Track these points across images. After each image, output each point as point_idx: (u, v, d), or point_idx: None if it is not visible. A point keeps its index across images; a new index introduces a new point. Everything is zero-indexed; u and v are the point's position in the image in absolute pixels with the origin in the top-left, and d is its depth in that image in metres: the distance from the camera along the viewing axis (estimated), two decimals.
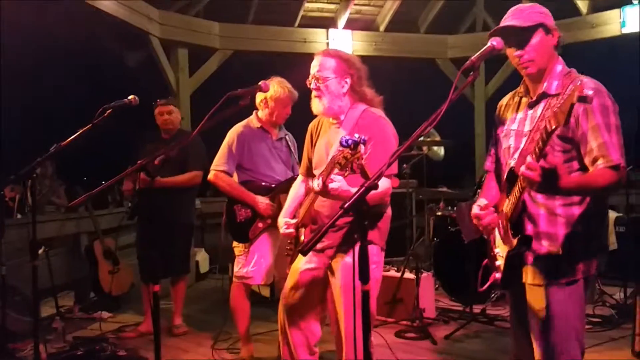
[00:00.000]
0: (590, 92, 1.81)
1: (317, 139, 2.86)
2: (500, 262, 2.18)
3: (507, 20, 2.14)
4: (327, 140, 2.75)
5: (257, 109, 3.76)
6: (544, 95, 2.15)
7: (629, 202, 5.32)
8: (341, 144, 2.03)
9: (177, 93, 7.09)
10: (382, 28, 8.20)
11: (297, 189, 3.02)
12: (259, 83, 2.97)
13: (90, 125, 3.00)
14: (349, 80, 2.68)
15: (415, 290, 4.56)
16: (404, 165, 5.45)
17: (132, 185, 4.50)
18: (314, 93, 2.68)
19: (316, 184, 2.37)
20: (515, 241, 2.07)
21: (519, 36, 2.11)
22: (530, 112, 2.20)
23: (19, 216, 7.43)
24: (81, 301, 5.38)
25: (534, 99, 2.18)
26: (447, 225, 5.61)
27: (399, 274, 4.77)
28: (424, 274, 4.75)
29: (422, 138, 6.46)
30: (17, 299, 4.21)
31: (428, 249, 5.79)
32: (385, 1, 8.04)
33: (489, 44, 2.06)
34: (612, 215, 5.90)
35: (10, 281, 4.20)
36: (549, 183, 1.83)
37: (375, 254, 2.68)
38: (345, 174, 2.11)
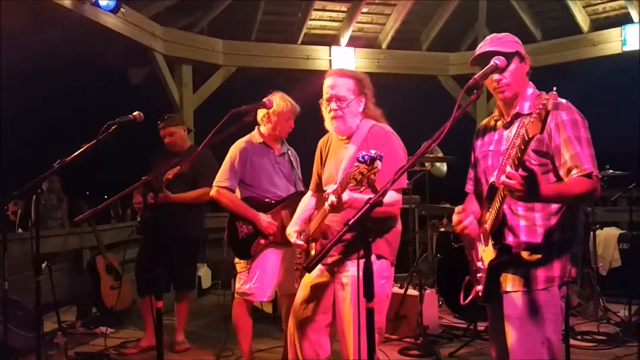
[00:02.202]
0: (563, 100, 1.92)
1: (327, 156, 2.88)
2: (481, 274, 2.26)
3: (487, 47, 2.26)
4: (337, 156, 2.78)
5: (259, 125, 3.78)
6: (517, 115, 2.26)
7: (633, 219, 5.32)
8: (357, 160, 2.07)
9: (181, 109, 7.15)
10: (384, 45, 8.27)
11: (306, 202, 3.04)
12: (263, 100, 3.00)
13: (94, 141, 3.02)
14: (364, 100, 2.72)
15: (419, 307, 4.53)
16: (407, 181, 5.45)
17: (142, 199, 4.50)
18: (333, 113, 2.69)
19: (329, 200, 2.38)
20: (495, 251, 2.15)
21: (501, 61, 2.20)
22: (505, 132, 2.31)
23: (20, 231, 7.45)
24: (83, 316, 5.35)
25: (508, 119, 2.30)
26: (450, 241, 5.59)
27: (402, 291, 4.75)
28: (428, 291, 4.73)
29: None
30: (19, 314, 4.20)
31: (431, 265, 5.78)
32: (387, 19, 8.11)
33: (492, 62, 2.17)
34: (616, 232, 5.90)
35: (12, 296, 4.20)
36: (530, 190, 1.89)
37: (386, 268, 2.69)
38: (361, 189, 2.13)
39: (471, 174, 2.53)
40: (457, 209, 2.36)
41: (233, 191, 3.71)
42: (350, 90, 2.69)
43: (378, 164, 2.05)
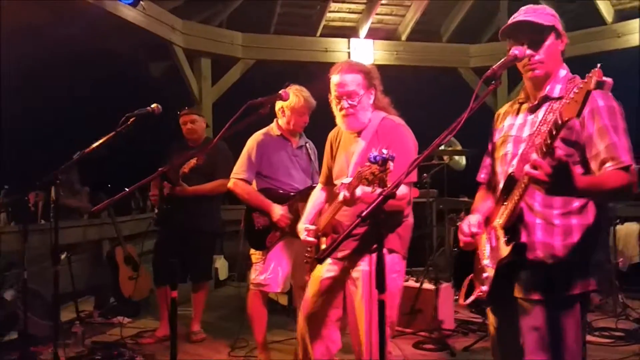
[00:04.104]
0: (609, 79, 1.57)
1: (337, 149, 2.85)
2: (488, 274, 2.05)
3: (521, 16, 2.06)
4: (348, 150, 2.75)
5: (277, 117, 3.78)
6: (546, 99, 2.05)
7: None
8: (369, 160, 2.03)
9: (199, 102, 7.18)
10: (403, 37, 8.20)
11: (316, 196, 3.02)
12: (280, 92, 2.99)
13: (113, 133, 3.05)
14: (374, 92, 2.70)
15: (434, 301, 4.51)
16: (424, 174, 5.42)
17: (158, 192, 4.55)
18: (344, 112, 2.65)
19: (341, 195, 2.35)
20: (509, 249, 1.95)
21: (534, 35, 2.03)
22: (530, 117, 2.10)
23: (42, 222, 7.57)
24: (101, 306, 5.43)
25: (535, 102, 2.09)
26: None
27: (418, 285, 4.73)
28: (443, 285, 4.70)
29: (443, 147, 6.43)
30: (38, 303, 4.27)
31: (448, 259, 5.74)
32: (407, 10, 8.04)
33: (510, 52, 2.02)
34: (637, 227, 5.79)
35: (32, 286, 4.27)
36: (559, 182, 1.67)
37: (397, 262, 2.68)
38: (373, 190, 2.10)
39: (486, 161, 2.33)
40: (471, 219, 2.14)
41: (250, 183, 3.73)
42: (360, 86, 2.64)
43: (390, 165, 2.01)
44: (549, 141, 1.68)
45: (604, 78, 1.54)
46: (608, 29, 7.38)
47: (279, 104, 3.66)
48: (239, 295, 4.90)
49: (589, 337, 4.03)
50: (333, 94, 2.69)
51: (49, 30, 5.99)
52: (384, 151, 2.01)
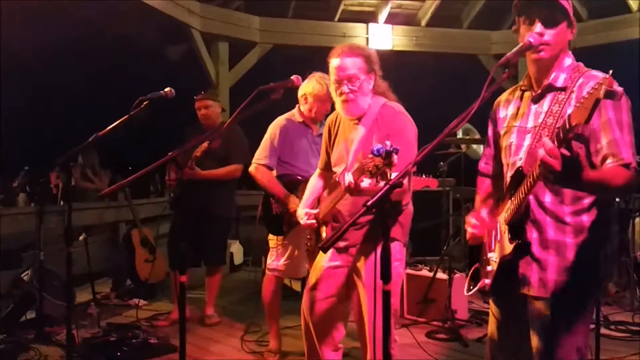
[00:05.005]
0: (620, 88, 1.52)
1: (335, 135, 2.80)
2: (492, 268, 2.05)
3: None
4: (347, 137, 2.70)
5: (299, 103, 3.76)
6: (550, 88, 2.01)
7: None
8: (372, 153, 1.98)
9: (217, 86, 7.17)
10: (423, 23, 8.08)
11: (314, 182, 3.00)
12: (291, 77, 2.95)
13: (126, 116, 3.05)
14: (373, 77, 2.63)
15: (448, 291, 4.49)
16: (441, 163, 5.37)
17: (175, 176, 4.59)
18: (344, 97, 2.58)
19: (347, 180, 2.31)
20: (511, 247, 1.93)
21: (550, 13, 1.96)
22: (534, 106, 2.04)
23: (61, 203, 7.68)
24: (118, 288, 5.51)
25: (539, 91, 2.03)
26: None
27: (431, 274, 4.70)
28: (457, 275, 4.67)
29: (460, 136, 6.37)
30: (55, 284, 4.34)
31: (464, 249, 5.69)
32: None
33: (526, 40, 1.95)
34: None
35: (49, 266, 4.34)
36: (570, 174, 1.64)
37: (398, 250, 2.66)
38: (377, 183, 2.06)
39: (488, 150, 2.30)
40: (471, 219, 2.17)
41: (272, 169, 3.73)
42: (360, 70, 2.56)
43: (395, 158, 1.97)
44: (563, 136, 1.62)
45: (615, 87, 1.50)
46: (632, 17, 7.17)
47: (301, 91, 3.63)
48: (254, 280, 4.92)
49: (604, 331, 3.97)
50: (332, 77, 2.62)
51: (70, 12, 6.02)
52: (388, 143, 1.96)
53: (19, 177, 10.18)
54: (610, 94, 1.48)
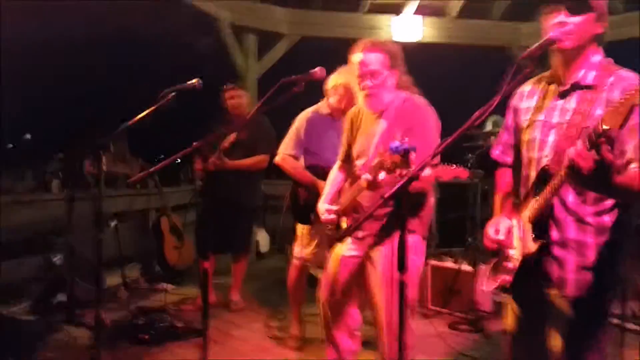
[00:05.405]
0: None
1: (358, 129, 2.83)
2: (513, 265, 2.04)
3: None
4: (369, 130, 2.73)
5: (326, 96, 3.77)
6: (577, 86, 1.97)
7: None
8: (391, 149, 2.01)
9: (245, 78, 7.24)
10: (453, 14, 8.00)
11: (335, 174, 3.02)
12: (315, 69, 2.98)
13: (153, 107, 3.13)
14: (397, 73, 2.65)
15: (472, 283, 4.49)
16: (469, 154, 5.34)
17: (201, 166, 4.69)
18: (367, 91, 2.62)
19: (364, 179, 2.36)
20: (536, 246, 1.94)
21: (577, 3, 1.93)
22: (560, 102, 2.00)
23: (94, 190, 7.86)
24: (147, 273, 5.65)
25: (567, 87, 1.99)
26: None
27: (457, 266, 4.70)
28: (483, 267, 4.64)
29: (489, 128, 6.30)
30: (86, 268, 4.47)
31: None
32: None
33: (550, 35, 1.94)
34: None
35: (80, 251, 4.49)
36: (598, 177, 1.63)
37: (417, 243, 2.68)
38: (394, 179, 2.09)
39: (504, 137, 2.25)
40: (491, 230, 2.11)
41: (298, 159, 3.78)
42: (383, 65, 2.59)
43: (412, 156, 1.99)
44: (588, 145, 1.62)
45: None
46: None
47: (332, 82, 3.63)
48: (280, 268, 4.99)
49: (629, 325, 3.93)
50: (356, 72, 2.65)
51: (97, 5, 6.13)
52: (406, 140, 1.99)
53: (52, 163, 10.44)
54: None
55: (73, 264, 4.32)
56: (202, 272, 2.55)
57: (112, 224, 5.36)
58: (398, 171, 2.04)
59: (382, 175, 2.24)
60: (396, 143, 2.00)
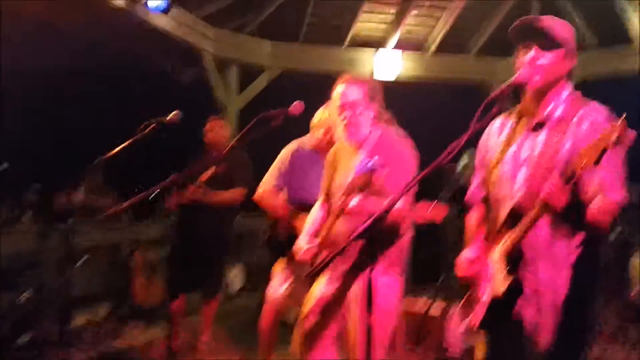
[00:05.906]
0: (632, 133, 1.60)
1: (337, 166, 2.84)
2: (483, 303, 2.03)
3: (544, 22, 2.01)
4: (347, 165, 2.73)
5: (312, 130, 3.72)
6: (547, 119, 1.99)
7: None
8: (357, 171, 2.06)
9: (225, 110, 7.21)
10: (432, 49, 8.09)
11: (315, 212, 2.99)
12: (294, 104, 2.94)
13: (132, 139, 3.06)
14: (375, 107, 2.70)
15: (443, 326, 4.38)
16: (445, 190, 5.29)
17: (177, 200, 4.58)
18: (346, 121, 2.67)
19: (337, 203, 2.39)
20: (506, 284, 1.92)
21: (546, 41, 1.98)
22: (530, 136, 2.02)
23: (69, 222, 7.67)
24: (116, 311, 5.45)
25: (536, 122, 2.02)
26: None
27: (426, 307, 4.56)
28: (453, 309, 4.53)
29: (466, 161, 6.29)
30: (53, 305, 4.31)
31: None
32: (437, 22, 7.92)
33: (516, 77, 1.98)
34: None
35: (49, 287, 4.33)
36: (572, 211, 1.71)
37: (393, 281, 2.65)
38: (366, 198, 2.08)
39: (480, 177, 2.25)
40: (465, 254, 2.16)
41: (281, 190, 3.71)
42: (363, 98, 2.67)
43: (380, 173, 2.00)
44: (571, 175, 1.68)
45: (627, 133, 1.55)
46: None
47: (318, 116, 3.61)
48: (251, 307, 4.86)
49: None
50: (336, 103, 2.71)
51: (78, 34, 6.09)
52: (373, 159, 1.98)
53: (27, 193, 10.16)
54: (618, 140, 1.53)
55: (41, 301, 4.16)
56: (171, 313, 2.44)
57: (83, 258, 5.19)
58: (368, 189, 2.02)
59: (354, 201, 2.22)
60: (362, 162, 1.97)
